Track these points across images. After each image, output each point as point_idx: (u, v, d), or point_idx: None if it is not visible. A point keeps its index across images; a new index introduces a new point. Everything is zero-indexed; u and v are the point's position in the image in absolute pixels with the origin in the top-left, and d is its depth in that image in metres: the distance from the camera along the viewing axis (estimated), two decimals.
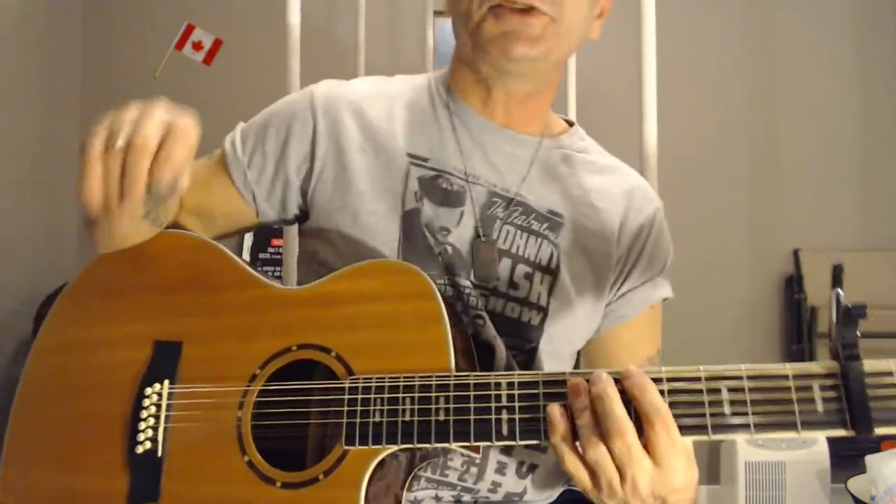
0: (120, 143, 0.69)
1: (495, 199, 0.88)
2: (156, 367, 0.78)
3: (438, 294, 0.74)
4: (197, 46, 3.07)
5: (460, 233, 0.86)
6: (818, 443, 2.43)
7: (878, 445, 2.36)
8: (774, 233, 3.03)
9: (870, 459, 2.12)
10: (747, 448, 2.45)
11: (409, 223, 0.85)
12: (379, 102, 0.91)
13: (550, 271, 0.86)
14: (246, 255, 2.89)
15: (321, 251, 0.87)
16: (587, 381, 0.63)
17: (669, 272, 0.95)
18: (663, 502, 0.62)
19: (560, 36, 0.83)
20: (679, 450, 0.61)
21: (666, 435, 0.60)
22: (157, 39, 3.08)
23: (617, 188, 0.93)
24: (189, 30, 3.07)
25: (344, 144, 0.88)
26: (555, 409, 0.63)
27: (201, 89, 3.03)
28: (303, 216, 0.93)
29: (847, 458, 2.45)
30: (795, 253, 3.00)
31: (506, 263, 0.86)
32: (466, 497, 0.85)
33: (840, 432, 0.60)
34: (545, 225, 0.88)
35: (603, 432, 0.60)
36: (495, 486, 0.85)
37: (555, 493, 0.92)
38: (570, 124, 0.99)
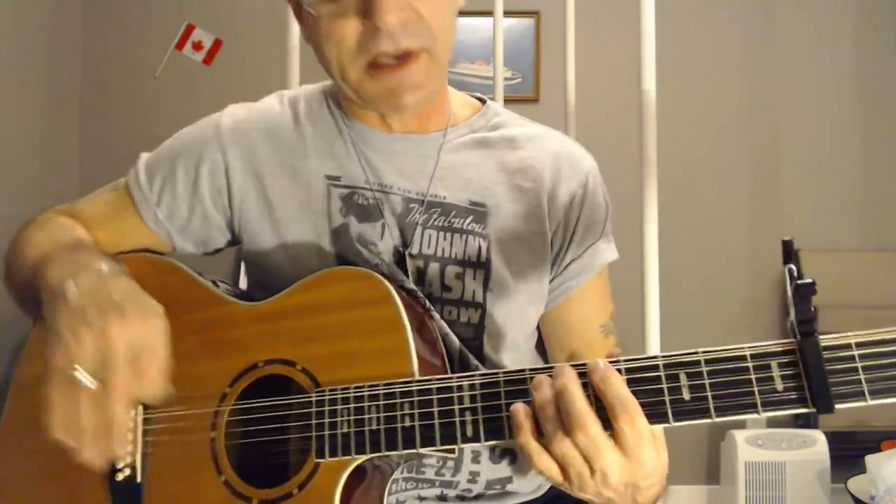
0: (91, 385, 0.64)
1: (412, 204, 0.86)
2: None
3: (397, 297, 0.74)
4: (197, 46, 3.07)
5: (385, 246, 0.85)
6: (818, 443, 2.43)
7: (878, 445, 2.36)
8: (774, 233, 3.02)
9: (870, 459, 2.12)
10: (747, 448, 2.46)
11: (341, 240, 0.85)
12: (289, 124, 0.90)
13: (481, 265, 0.85)
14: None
15: (266, 276, 0.87)
16: (550, 376, 0.63)
17: (610, 231, 0.92)
18: (636, 489, 0.63)
19: (439, 60, 0.81)
20: (646, 439, 0.61)
21: (631, 426, 0.60)
22: (157, 39, 3.08)
23: (541, 160, 0.89)
24: (189, 30, 3.07)
25: (261, 171, 0.87)
26: (519, 409, 0.63)
27: (201, 89, 3.03)
28: (234, 243, 0.93)
29: (847, 458, 2.45)
30: (796, 253, 3.00)
31: (434, 267, 0.85)
32: (450, 493, 0.85)
33: (801, 410, 0.59)
34: (469, 219, 0.86)
35: (566, 427, 0.60)
36: (474, 475, 0.85)
37: (543, 486, 0.92)
38: (483, 101, 0.96)
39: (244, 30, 3.03)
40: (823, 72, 3.06)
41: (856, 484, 2.30)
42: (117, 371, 0.64)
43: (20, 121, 2.76)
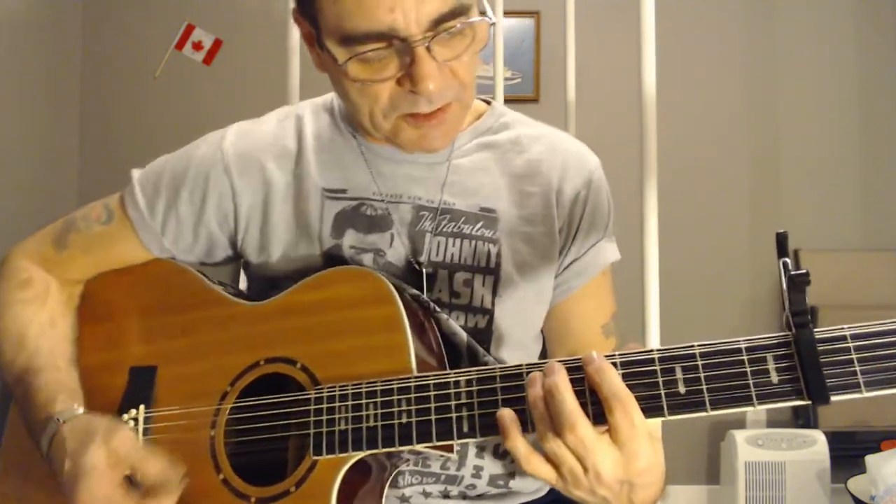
0: None
1: (422, 212, 0.86)
2: (132, 392, 0.81)
3: (398, 297, 0.74)
4: (197, 46, 3.07)
5: (395, 254, 0.85)
6: (818, 443, 2.43)
7: (878, 445, 2.36)
8: (774, 233, 3.02)
9: (870, 459, 2.12)
10: (747, 448, 2.46)
11: (334, 261, 0.85)
12: (293, 143, 0.90)
13: (491, 271, 0.85)
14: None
15: (265, 289, 0.87)
16: (543, 372, 0.63)
17: (613, 231, 0.93)
18: (631, 486, 0.62)
19: (468, 103, 0.83)
20: (641, 433, 0.61)
21: (626, 419, 0.60)
22: (157, 39, 3.07)
23: (547, 161, 0.90)
24: (189, 30, 3.07)
25: (270, 197, 0.87)
26: (504, 414, 0.63)
27: (201, 89, 3.03)
28: (236, 258, 0.93)
29: (847, 458, 2.45)
30: (795, 253, 3.00)
31: (443, 274, 0.85)
32: (453, 489, 0.86)
33: (797, 402, 0.59)
34: (479, 224, 0.86)
35: (556, 427, 0.60)
36: (478, 470, 0.85)
37: (545, 486, 0.92)
38: (488, 103, 0.96)
39: (244, 30, 3.03)
40: (823, 72, 3.06)
41: (856, 484, 2.30)
42: None
43: (20, 121, 2.76)
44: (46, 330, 0.86)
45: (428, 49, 0.72)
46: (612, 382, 0.61)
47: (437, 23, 0.71)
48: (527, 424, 0.64)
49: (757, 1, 3.10)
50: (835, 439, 2.51)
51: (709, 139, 3.05)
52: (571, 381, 0.62)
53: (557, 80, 2.28)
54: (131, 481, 0.72)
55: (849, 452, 2.46)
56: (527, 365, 0.66)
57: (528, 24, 3.06)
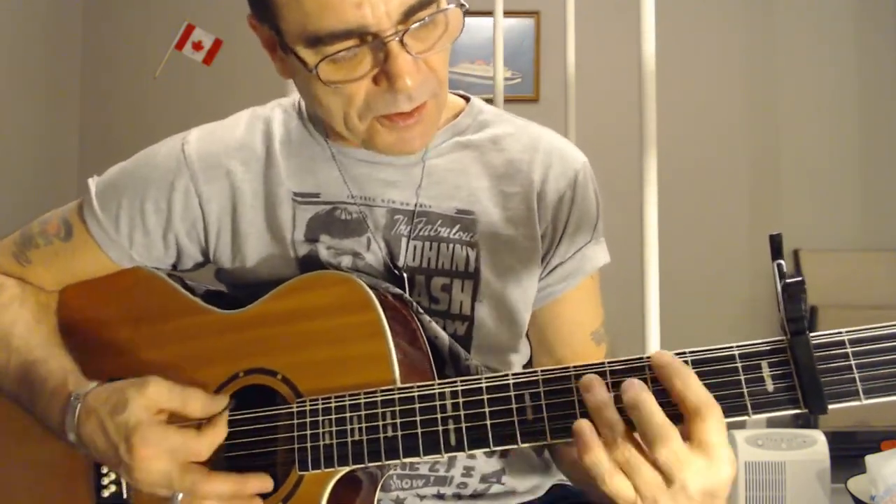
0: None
1: (397, 216, 0.83)
2: None
3: (377, 303, 0.72)
4: (197, 46, 3.07)
5: (373, 258, 0.83)
6: (818, 443, 2.43)
7: (878, 445, 2.36)
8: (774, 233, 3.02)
9: (870, 459, 2.12)
10: (747, 448, 2.45)
11: (309, 267, 0.82)
12: (261, 146, 0.86)
13: (470, 275, 0.82)
14: None
15: (239, 294, 0.85)
16: (609, 383, 0.59)
17: (602, 232, 0.88)
18: (713, 498, 0.57)
19: (443, 100, 0.79)
20: (726, 442, 0.56)
21: (719, 428, 0.55)
22: (157, 39, 3.08)
23: (528, 160, 0.85)
24: (189, 30, 3.07)
25: (238, 203, 0.84)
26: (583, 427, 0.57)
27: (201, 89, 3.03)
28: (206, 264, 0.90)
29: (847, 458, 2.45)
30: (795, 253, 3.00)
31: (420, 280, 0.82)
32: (446, 490, 0.84)
33: (793, 411, 0.57)
34: (456, 227, 0.83)
35: (646, 441, 0.56)
36: (468, 470, 0.84)
37: (542, 487, 0.90)
38: (467, 99, 0.91)
39: (244, 30, 3.00)
40: (823, 72, 3.06)
41: (856, 484, 2.30)
42: (185, 475, 0.68)
43: (20, 121, 2.76)
44: (32, 326, 0.83)
45: (402, 43, 0.68)
46: (700, 390, 0.56)
47: (408, 14, 0.67)
48: (536, 435, 0.62)
49: (757, 1, 3.10)
50: (835, 439, 2.51)
51: (709, 139, 3.05)
52: (611, 385, 0.59)
53: (557, 80, 2.28)
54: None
55: (849, 452, 2.47)
56: (513, 374, 0.64)
57: (528, 24, 3.06)
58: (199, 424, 0.71)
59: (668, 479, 0.55)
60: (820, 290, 2.91)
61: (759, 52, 3.09)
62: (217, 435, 0.70)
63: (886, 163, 3.05)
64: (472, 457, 0.84)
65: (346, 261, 0.82)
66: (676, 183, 2.60)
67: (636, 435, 0.57)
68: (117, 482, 0.76)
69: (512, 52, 2.93)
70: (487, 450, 0.64)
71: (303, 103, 0.89)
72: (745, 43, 3.10)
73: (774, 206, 3.05)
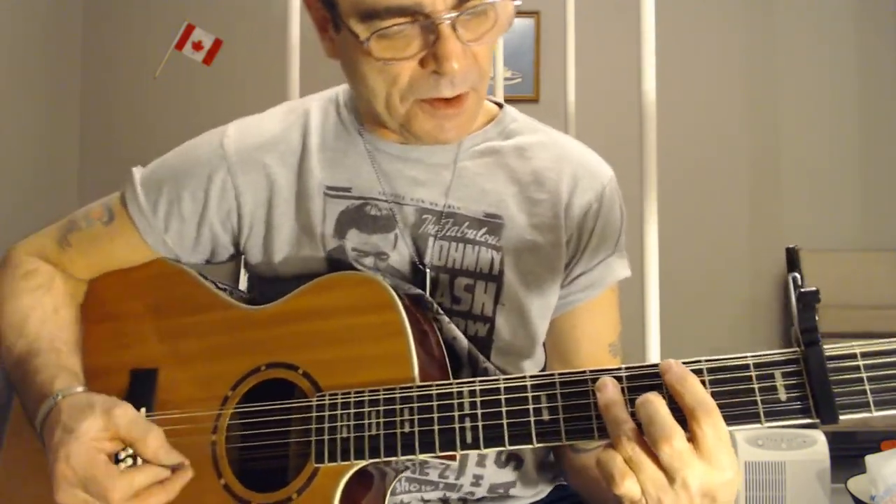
0: None
1: (426, 215, 0.84)
2: (133, 396, 0.79)
3: (400, 304, 0.73)
4: (197, 46, 3.07)
5: (399, 256, 0.84)
6: (818, 443, 2.43)
7: (878, 445, 2.36)
8: (774, 233, 3.02)
9: (870, 459, 2.12)
10: (747, 448, 2.45)
11: (337, 263, 0.83)
12: (298, 139, 0.87)
13: (493, 278, 0.84)
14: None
15: (267, 290, 0.86)
16: (625, 388, 0.61)
17: (624, 248, 0.90)
18: (712, 499, 0.58)
19: (482, 95, 0.81)
20: (726, 441, 0.58)
21: (714, 429, 0.57)
22: (157, 39, 3.08)
23: (557, 170, 0.87)
24: (189, 30, 3.07)
25: (274, 196, 0.86)
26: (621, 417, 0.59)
27: (201, 89, 3.03)
28: (238, 255, 0.92)
29: (847, 458, 2.45)
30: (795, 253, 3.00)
31: (444, 279, 0.84)
32: (452, 495, 0.85)
33: (805, 420, 0.58)
34: (483, 230, 0.84)
35: (650, 439, 0.57)
36: (478, 478, 0.84)
37: (544, 491, 0.91)
38: (500, 106, 0.93)
39: (244, 30, 3.03)
40: (823, 72, 3.06)
41: (856, 484, 2.30)
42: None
43: (20, 121, 2.76)
44: (49, 316, 0.85)
45: (453, 27, 0.70)
46: (697, 390, 0.58)
47: (463, 0, 0.70)
48: (551, 436, 0.63)
49: (757, 1, 3.10)
50: (835, 439, 2.51)
51: (709, 139, 3.05)
52: (626, 389, 0.61)
53: (557, 80, 2.28)
54: (117, 460, 0.72)
55: (849, 452, 2.47)
56: (530, 376, 0.66)
57: (528, 24, 3.06)
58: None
59: (670, 478, 0.57)
60: (820, 290, 2.91)
61: (759, 52, 3.09)
62: (137, 481, 0.70)
63: (886, 163, 3.05)
64: (481, 465, 0.84)
65: (369, 262, 0.84)
66: (677, 183, 2.61)
67: (644, 438, 0.58)
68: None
69: (512, 53, 2.93)
70: (502, 448, 0.65)
71: (341, 96, 0.91)
72: (745, 43, 3.10)
73: (774, 207, 3.05)
